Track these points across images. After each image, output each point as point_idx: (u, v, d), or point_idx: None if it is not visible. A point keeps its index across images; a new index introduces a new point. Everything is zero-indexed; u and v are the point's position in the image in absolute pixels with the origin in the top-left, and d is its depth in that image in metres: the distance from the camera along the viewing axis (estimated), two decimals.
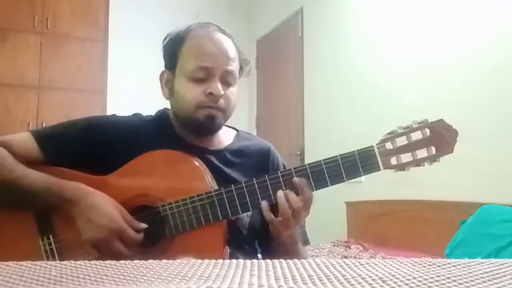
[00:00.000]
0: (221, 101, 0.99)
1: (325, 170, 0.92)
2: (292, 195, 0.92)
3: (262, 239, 1.10)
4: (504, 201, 2.14)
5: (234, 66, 1.02)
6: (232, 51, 1.02)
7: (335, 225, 3.26)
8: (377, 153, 0.92)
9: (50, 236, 0.93)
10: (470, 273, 0.49)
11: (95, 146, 0.99)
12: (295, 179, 0.92)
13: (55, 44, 3.91)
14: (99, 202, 0.91)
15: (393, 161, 0.92)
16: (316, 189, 0.93)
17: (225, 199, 0.92)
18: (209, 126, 1.01)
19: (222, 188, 0.93)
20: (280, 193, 0.92)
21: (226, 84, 1.01)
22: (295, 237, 0.99)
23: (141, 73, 4.24)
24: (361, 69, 3.28)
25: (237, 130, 1.16)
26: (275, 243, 1.00)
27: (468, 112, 2.37)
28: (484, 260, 0.57)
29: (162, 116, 1.10)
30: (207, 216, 0.92)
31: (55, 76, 3.89)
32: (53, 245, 0.93)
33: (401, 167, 0.92)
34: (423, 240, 2.51)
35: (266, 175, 0.93)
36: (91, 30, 4.04)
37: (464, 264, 0.54)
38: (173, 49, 1.03)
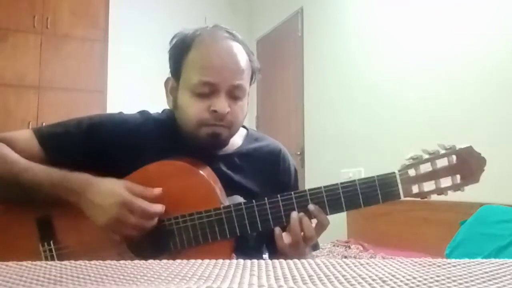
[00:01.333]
0: (227, 118, 0.92)
1: (341, 194, 0.87)
2: (306, 220, 0.87)
3: (269, 242, 1.09)
4: (504, 201, 2.14)
5: (242, 80, 0.94)
6: (241, 62, 0.94)
7: (335, 225, 3.23)
8: (398, 181, 0.86)
9: (51, 242, 0.91)
10: (470, 273, 0.49)
11: (98, 145, 0.96)
12: (311, 206, 0.87)
13: (55, 44, 3.91)
14: (103, 187, 0.87)
15: (415, 189, 0.86)
16: (330, 214, 0.88)
17: (234, 217, 0.88)
18: (213, 144, 0.96)
19: (231, 205, 0.89)
20: (294, 214, 0.87)
21: (234, 98, 0.93)
22: (302, 255, 0.94)
23: (141, 73, 4.25)
24: (361, 69, 3.28)
25: (246, 129, 1.10)
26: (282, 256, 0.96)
27: (468, 112, 2.37)
28: (484, 260, 0.57)
29: (169, 117, 1.03)
30: (214, 234, 0.88)
31: (55, 76, 3.89)
32: (54, 252, 0.91)
33: (423, 196, 0.87)
34: (423, 240, 2.51)
35: (278, 195, 0.88)
36: (91, 30, 4.04)
37: (464, 264, 0.54)
38: (178, 57, 0.96)
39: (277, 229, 0.88)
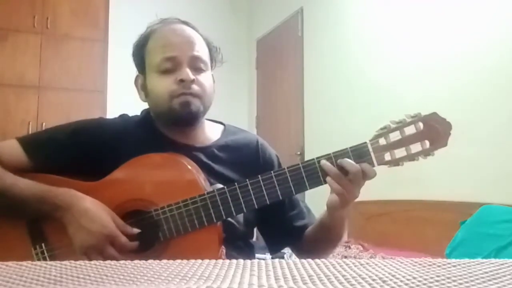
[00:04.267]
0: (194, 87, 0.98)
1: (318, 168, 0.90)
2: (343, 160, 0.89)
3: (269, 233, 1.11)
4: (504, 201, 2.14)
5: (200, 52, 1.01)
6: (196, 37, 1.02)
7: None
8: (370, 149, 0.90)
9: (43, 244, 0.92)
10: (470, 273, 0.49)
11: (82, 150, 0.98)
12: (342, 161, 0.88)
13: (55, 44, 3.91)
14: (90, 208, 0.89)
15: (387, 156, 0.90)
16: (310, 188, 0.91)
17: (218, 201, 0.90)
18: (187, 114, 0.99)
19: (214, 190, 0.91)
20: (323, 161, 0.89)
21: (197, 70, 1.00)
22: (344, 217, 0.98)
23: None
24: (361, 68, 3.28)
25: (224, 125, 1.14)
26: (323, 223, 0.99)
27: (468, 112, 2.37)
28: (484, 260, 0.57)
29: (146, 116, 1.08)
30: (201, 219, 0.90)
31: (55, 76, 3.89)
32: (46, 254, 0.92)
33: (395, 162, 0.90)
34: (423, 240, 2.51)
35: (259, 176, 0.91)
36: (91, 30, 4.04)
37: (464, 264, 0.54)
38: (139, 51, 1.04)
39: (328, 178, 0.89)
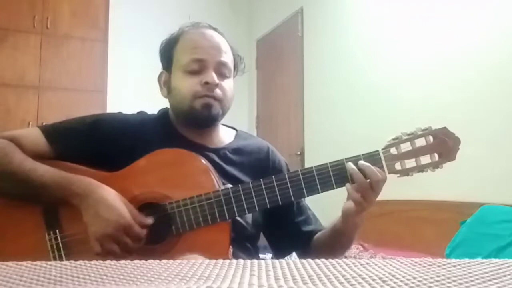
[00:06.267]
0: (217, 91, 1.01)
1: (331, 173, 0.92)
2: (366, 165, 0.91)
3: (276, 238, 1.12)
4: (504, 201, 2.14)
5: (227, 58, 1.05)
6: (224, 45, 1.06)
7: None
8: (382, 158, 0.93)
9: (57, 230, 0.93)
10: (470, 273, 0.49)
11: (101, 141, 1.01)
12: (361, 163, 0.91)
13: (55, 44, 3.91)
14: (107, 197, 0.91)
15: (397, 166, 0.94)
16: (321, 191, 0.93)
17: (232, 198, 0.92)
18: (207, 116, 1.02)
19: (229, 188, 0.93)
20: (350, 164, 0.91)
21: (221, 75, 1.03)
22: (359, 223, 0.99)
23: (141, 73, 4.24)
24: (361, 69, 3.28)
25: (236, 130, 1.17)
26: (336, 229, 1.00)
27: (468, 112, 2.37)
28: (484, 260, 0.57)
29: (163, 115, 1.12)
30: (214, 215, 0.92)
31: (55, 76, 3.89)
32: (59, 240, 0.93)
33: (405, 172, 0.94)
34: (423, 240, 2.51)
35: (273, 176, 0.93)
36: (91, 30, 4.04)
37: (464, 264, 0.54)
38: (168, 49, 1.07)
39: (347, 185, 0.92)
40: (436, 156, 0.94)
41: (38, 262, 0.57)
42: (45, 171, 0.94)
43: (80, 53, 3.99)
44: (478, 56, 2.39)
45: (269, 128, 4.53)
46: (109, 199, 0.90)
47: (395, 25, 3.00)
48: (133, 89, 4.15)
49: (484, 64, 2.35)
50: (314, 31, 3.89)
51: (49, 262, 0.57)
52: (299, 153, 3.94)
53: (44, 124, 1.06)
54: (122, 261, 0.58)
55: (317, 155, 3.77)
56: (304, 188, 0.92)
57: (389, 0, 3.07)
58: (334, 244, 1.04)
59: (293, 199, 0.94)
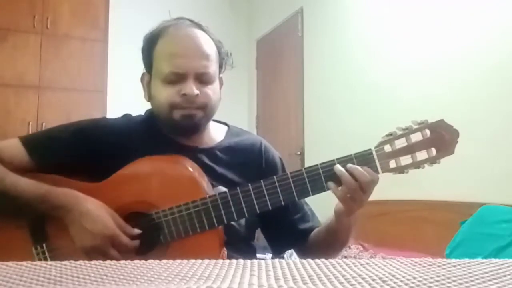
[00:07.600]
0: (198, 100, 0.97)
1: (322, 174, 0.89)
2: (354, 167, 0.88)
3: (272, 236, 1.10)
4: (504, 201, 2.14)
5: (209, 66, 0.99)
6: (206, 48, 0.99)
7: None
8: (375, 157, 0.89)
9: (44, 244, 0.92)
10: (470, 273, 0.49)
11: (84, 150, 0.98)
12: (350, 166, 0.88)
13: (55, 44, 3.91)
14: (92, 209, 0.89)
15: (392, 164, 0.90)
16: (313, 194, 0.91)
17: (220, 205, 0.90)
18: (187, 126, 0.99)
19: (216, 194, 0.91)
20: (338, 166, 0.88)
21: (203, 83, 0.98)
22: (352, 222, 0.97)
23: (141, 73, 4.24)
24: (361, 69, 3.28)
25: (228, 126, 1.14)
26: (330, 228, 0.98)
27: (468, 112, 2.37)
28: (484, 260, 0.57)
29: (149, 117, 1.07)
30: (202, 223, 0.90)
31: (55, 76, 3.88)
32: (47, 254, 0.91)
33: (400, 169, 0.90)
34: (423, 240, 2.51)
35: (262, 181, 0.91)
36: (91, 30, 4.04)
37: (464, 264, 0.54)
38: (148, 50, 1.04)
39: (330, 183, 0.89)
40: (434, 151, 0.89)
41: (38, 262, 0.57)
42: (26, 185, 0.91)
43: (80, 53, 3.99)
44: (478, 56, 2.39)
45: (269, 128, 4.53)
46: (93, 211, 0.89)
47: (395, 25, 3.00)
48: (133, 89, 4.11)
49: (484, 64, 2.35)
50: (314, 31, 3.89)
51: (49, 262, 0.57)
52: (299, 153, 3.94)
53: (24, 135, 1.02)
54: (122, 261, 0.58)
55: (317, 155, 3.77)
56: (294, 192, 0.90)
57: (389, 0, 3.07)
58: (330, 241, 1.03)
59: (283, 203, 0.91)
